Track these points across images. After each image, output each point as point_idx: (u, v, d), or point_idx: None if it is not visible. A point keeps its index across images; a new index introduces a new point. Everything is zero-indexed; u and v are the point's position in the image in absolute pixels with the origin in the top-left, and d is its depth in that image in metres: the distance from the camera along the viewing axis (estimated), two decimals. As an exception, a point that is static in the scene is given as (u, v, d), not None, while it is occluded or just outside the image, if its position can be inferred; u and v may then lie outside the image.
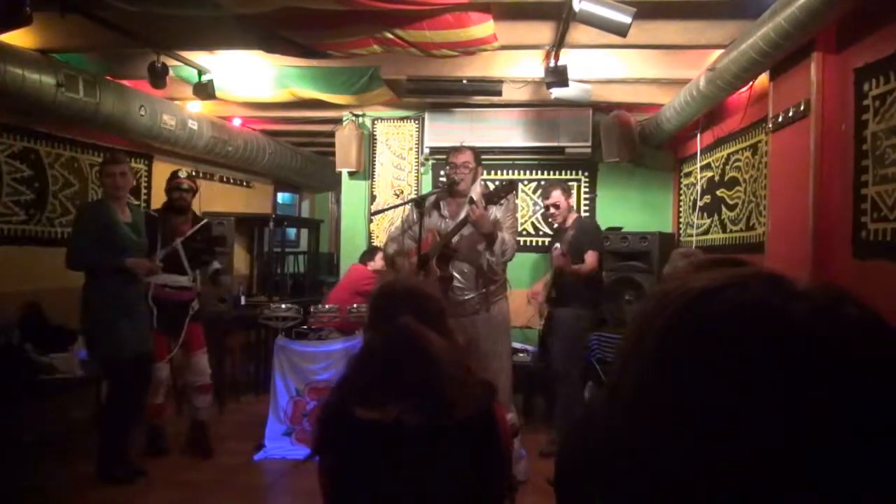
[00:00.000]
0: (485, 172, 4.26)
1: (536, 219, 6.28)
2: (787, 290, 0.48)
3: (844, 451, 0.42)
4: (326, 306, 5.04)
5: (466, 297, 3.83)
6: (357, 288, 5.48)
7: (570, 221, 4.72)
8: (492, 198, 3.74)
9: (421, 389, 1.49)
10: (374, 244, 6.02)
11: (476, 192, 3.87)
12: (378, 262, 5.66)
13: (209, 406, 4.66)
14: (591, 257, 4.56)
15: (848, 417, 0.43)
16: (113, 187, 3.96)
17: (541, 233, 6.25)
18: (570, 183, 6.27)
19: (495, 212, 3.82)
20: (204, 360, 4.60)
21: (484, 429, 1.53)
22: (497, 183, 6.07)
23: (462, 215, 3.78)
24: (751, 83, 3.91)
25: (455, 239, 3.79)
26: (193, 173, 4.76)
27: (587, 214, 5.92)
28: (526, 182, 6.25)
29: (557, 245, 4.64)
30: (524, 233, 6.08)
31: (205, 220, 4.71)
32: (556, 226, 4.89)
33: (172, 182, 4.58)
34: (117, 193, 3.98)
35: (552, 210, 4.69)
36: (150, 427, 4.47)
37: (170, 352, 4.40)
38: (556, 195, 4.66)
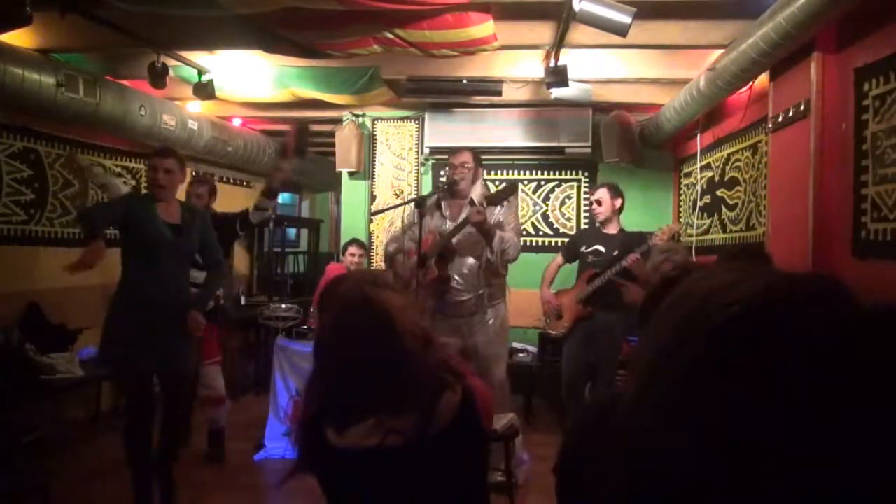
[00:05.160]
0: (485, 173, 4.24)
1: (536, 219, 6.28)
2: (844, 298, 0.46)
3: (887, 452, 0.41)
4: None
5: (464, 299, 3.83)
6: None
7: (612, 225, 4.48)
8: (494, 199, 3.74)
9: (386, 380, 1.44)
10: (355, 238, 5.77)
11: (477, 192, 3.87)
12: (356, 250, 5.47)
13: (223, 418, 4.48)
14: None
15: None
16: (152, 183, 3.39)
17: (541, 233, 6.25)
18: (570, 183, 6.29)
19: (498, 213, 3.82)
20: (213, 371, 4.36)
21: (464, 428, 1.48)
22: (497, 184, 6.10)
23: (463, 216, 3.78)
24: (751, 83, 3.90)
25: (455, 239, 3.79)
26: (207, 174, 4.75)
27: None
28: (526, 182, 6.25)
29: (636, 255, 4.23)
30: (524, 233, 6.07)
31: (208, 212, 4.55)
32: (597, 224, 4.61)
33: (192, 186, 4.52)
34: (155, 191, 3.38)
35: (595, 206, 4.53)
36: (209, 432, 4.45)
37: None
38: (601, 192, 4.48)
